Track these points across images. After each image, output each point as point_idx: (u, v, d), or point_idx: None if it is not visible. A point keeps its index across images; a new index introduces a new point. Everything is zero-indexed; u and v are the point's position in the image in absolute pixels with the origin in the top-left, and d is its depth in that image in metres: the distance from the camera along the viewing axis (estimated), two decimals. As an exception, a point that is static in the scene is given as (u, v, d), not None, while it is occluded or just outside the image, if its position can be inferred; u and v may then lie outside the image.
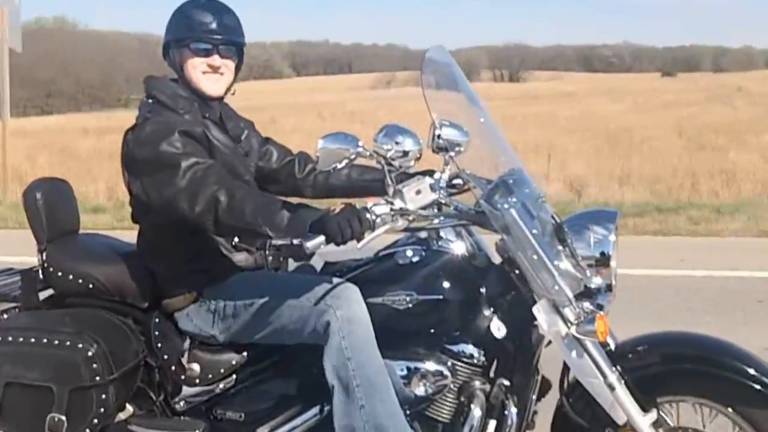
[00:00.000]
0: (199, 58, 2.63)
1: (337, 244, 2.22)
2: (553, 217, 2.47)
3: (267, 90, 55.37)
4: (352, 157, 2.34)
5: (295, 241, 2.22)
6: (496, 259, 2.60)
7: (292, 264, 2.85)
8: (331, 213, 2.20)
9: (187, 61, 2.63)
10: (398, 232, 2.41)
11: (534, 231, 2.36)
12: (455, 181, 2.70)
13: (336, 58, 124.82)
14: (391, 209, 2.28)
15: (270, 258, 2.70)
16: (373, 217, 2.23)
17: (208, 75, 2.65)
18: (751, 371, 2.34)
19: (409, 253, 2.55)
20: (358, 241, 2.23)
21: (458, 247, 2.59)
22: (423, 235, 2.56)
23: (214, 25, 2.62)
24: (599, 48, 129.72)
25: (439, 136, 2.48)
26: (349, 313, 2.39)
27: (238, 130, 2.81)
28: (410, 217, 2.30)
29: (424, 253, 2.55)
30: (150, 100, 2.65)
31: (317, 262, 2.85)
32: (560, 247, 2.42)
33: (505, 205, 2.36)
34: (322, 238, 2.19)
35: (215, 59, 2.64)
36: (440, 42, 2.71)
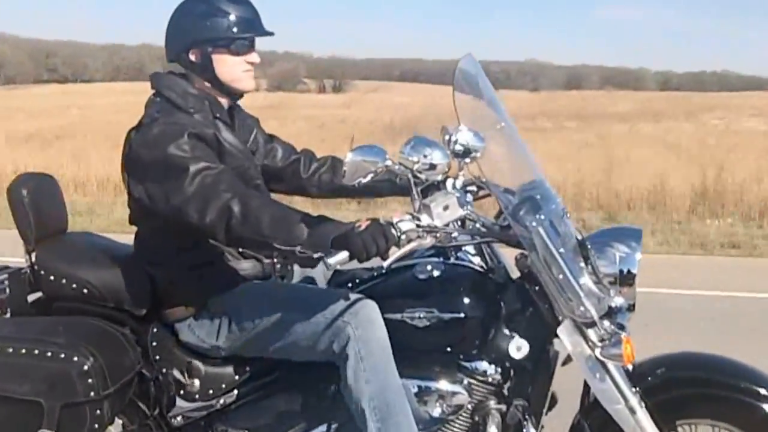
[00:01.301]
0: (239, 56, 2.49)
1: (360, 261, 2.11)
2: (576, 233, 2.40)
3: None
4: (379, 170, 2.23)
5: (316, 256, 2.11)
6: (514, 273, 2.52)
7: (297, 272, 2.74)
8: (356, 228, 2.09)
9: (223, 59, 2.48)
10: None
11: (561, 250, 2.28)
12: (469, 188, 2.61)
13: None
14: (418, 225, 2.18)
15: (278, 266, 2.59)
16: (399, 234, 2.13)
17: (248, 73, 2.52)
18: None
19: (429, 266, 2.45)
20: (383, 258, 2.13)
21: (478, 261, 2.51)
22: (426, 243, 2.45)
23: (252, 20, 2.49)
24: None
25: (456, 141, 2.39)
26: (367, 331, 2.28)
27: (247, 130, 2.67)
28: (438, 234, 2.20)
29: (443, 267, 2.45)
30: (158, 99, 2.49)
31: (323, 272, 2.74)
32: (583, 265, 2.35)
33: (533, 223, 2.27)
34: (345, 255, 2.08)
35: (254, 56, 2.51)
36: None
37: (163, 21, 2.56)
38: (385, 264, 2.14)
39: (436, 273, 2.44)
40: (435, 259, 2.50)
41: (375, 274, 2.55)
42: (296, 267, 2.73)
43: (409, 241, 2.16)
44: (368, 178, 2.24)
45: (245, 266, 2.56)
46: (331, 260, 2.07)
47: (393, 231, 2.12)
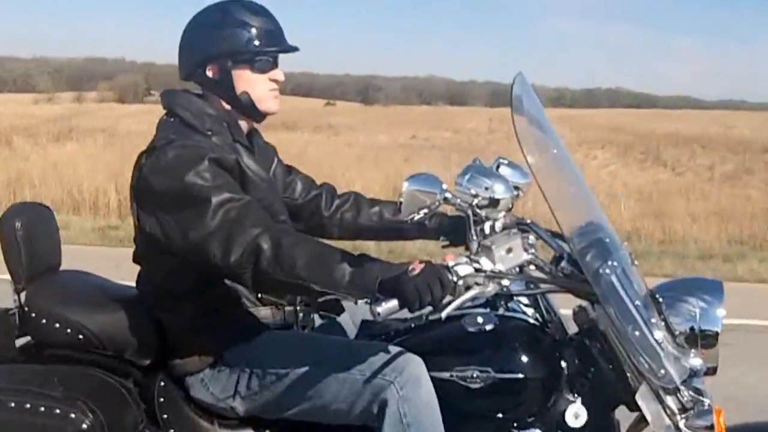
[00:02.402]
0: (264, 73, 2.20)
1: (412, 311, 1.82)
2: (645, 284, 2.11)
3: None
4: (435, 205, 1.93)
5: (361, 303, 1.82)
6: (571, 328, 2.23)
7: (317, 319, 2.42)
8: (409, 273, 1.79)
9: (245, 76, 2.18)
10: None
11: (637, 302, 1.99)
12: (512, 231, 2.31)
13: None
14: (477, 270, 1.88)
15: (301, 314, 2.27)
16: (456, 279, 1.83)
17: (273, 92, 2.23)
18: None
19: (479, 319, 2.13)
20: (436, 308, 1.83)
21: (531, 313, 2.21)
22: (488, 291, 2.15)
23: (276, 33, 2.21)
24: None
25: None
26: (413, 391, 1.96)
27: (267, 158, 2.38)
28: (502, 281, 1.90)
29: (496, 320, 2.14)
30: (171, 119, 2.20)
31: (350, 320, 2.43)
32: (657, 320, 2.05)
33: (606, 270, 1.98)
34: (395, 303, 1.78)
35: (279, 73, 2.22)
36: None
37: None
38: (443, 314, 1.84)
39: (488, 326, 2.13)
40: (483, 310, 2.19)
41: (413, 325, 2.24)
42: (316, 316, 2.41)
43: (467, 288, 1.87)
44: (421, 214, 1.94)
45: (264, 313, 2.24)
46: (381, 308, 1.77)
47: (449, 276, 1.82)
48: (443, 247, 2.52)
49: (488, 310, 2.19)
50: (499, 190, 1.98)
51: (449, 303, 1.86)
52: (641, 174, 18.45)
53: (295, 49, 2.26)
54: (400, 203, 1.93)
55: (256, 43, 2.17)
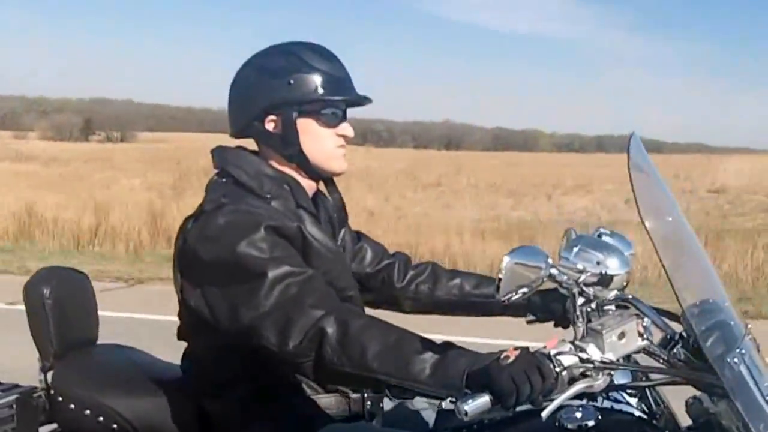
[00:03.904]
0: (331, 128, 1.93)
1: (506, 407, 1.51)
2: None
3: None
4: (538, 283, 1.63)
5: (448, 400, 1.53)
6: (683, 420, 1.91)
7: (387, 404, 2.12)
8: (502, 361, 1.50)
9: (312, 129, 1.92)
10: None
11: (767, 396, 1.67)
12: (607, 307, 2.00)
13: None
14: (582, 360, 1.58)
15: (368, 402, 1.97)
16: (559, 370, 1.53)
17: (342, 149, 1.96)
18: None
19: (578, 413, 1.81)
20: (534, 403, 1.52)
21: (637, 403, 1.89)
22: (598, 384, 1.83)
23: (345, 81, 1.94)
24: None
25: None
26: None
27: (336, 223, 2.10)
28: (612, 373, 1.59)
29: (598, 414, 1.82)
30: (223, 179, 1.93)
31: (426, 403, 2.12)
32: None
33: (735, 359, 1.67)
34: (486, 399, 1.48)
35: (349, 128, 1.96)
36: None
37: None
38: (544, 414, 1.54)
39: (589, 422, 1.80)
40: (580, 402, 1.87)
41: (499, 417, 1.92)
42: (385, 399, 2.11)
43: (572, 380, 1.57)
44: (520, 293, 1.63)
45: (326, 402, 1.94)
46: (469, 407, 1.48)
47: (551, 365, 1.52)
48: (528, 323, 2.21)
49: (586, 401, 1.88)
50: (613, 266, 1.68)
51: (550, 398, 1.56)
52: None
53: (368, 99, 2.00)
54: (499, 279, 1.64)
55: (326, 91, 1.90)
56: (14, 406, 2.10)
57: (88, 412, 2.02)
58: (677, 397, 1.93)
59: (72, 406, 2.04)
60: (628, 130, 1.82)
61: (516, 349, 1.54)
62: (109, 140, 76.40)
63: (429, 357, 1.57)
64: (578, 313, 1.67)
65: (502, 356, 1.52)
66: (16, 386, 2.21)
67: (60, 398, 2.05)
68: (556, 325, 2.15)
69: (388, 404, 2.10)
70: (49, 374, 2.11)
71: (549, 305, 2.13)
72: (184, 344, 2.03)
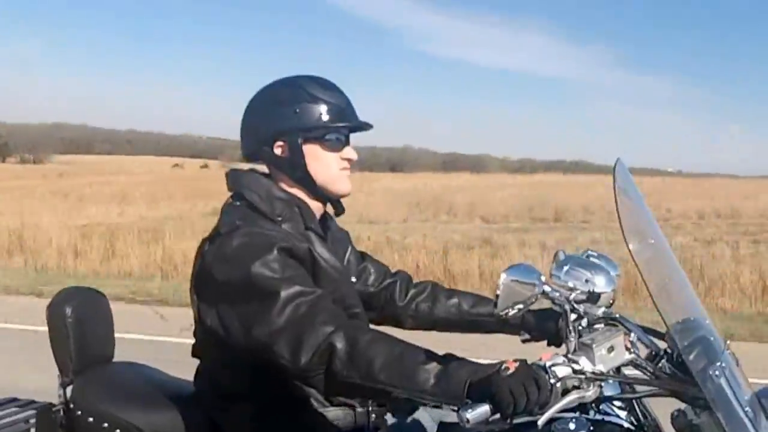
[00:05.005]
0: (335, 152, 2.07)
1: (505, 417, 1.62)
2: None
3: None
4: (532, 300, 1.76)
5: (449, 409, 1.64)
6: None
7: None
8: (502, 372, 1.61)
9: (317, 154, 2.06)
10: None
11: (747, 409, 1.79)
12: (596, 325, 2.12)
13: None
14: (575, 371, 1.70)
15: (373, 415, 2.08)
16: (554, 381, 1.65)
17: (345, 171, 2.10)
18: None
19: (571, 425, 1.93)
20: (531, 414, 1.64)
21: (626, 416, 2.01)
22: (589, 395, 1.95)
23: (347, 109, 2.08)
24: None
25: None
26: None
27: (341, 245, 2.23)
28: (602, 384, 1.72)
29: (590, 425, 1.94)
30: (238, 202, 2.06)
31: (428, 417, 2.23)
32: (766, 428, 1.85)
33: (716, 372, 1.79)
34: (486, 408, 1.60)
35: (352, 152, 2.10)
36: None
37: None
38: (540, 422, 1.65)
39: None
40: (572, 414, 1.98)
41: (496, 429, 2.03)
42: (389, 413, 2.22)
43: (565, 391, 1.69)
44: (516, 309, 1.76)
45: (334, 415, 2.05)
46: (470, 415, 1.59)
47: (546, 377, 1.64)
48: (523, 341, 2.34)
49: (578, 413, 1.99)
50: (601, 284, 1.82)
51: (544, 408, 1.67)
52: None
53: (368, 126, 2.14)
54: (497, 296, 1.76)
55: (328, 118, 2.05)
56: (33, 421, 2.21)
57: (105, 425, 2.12)
58: (664, 412, 2.05)
59: (90, 419, 2.14)
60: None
61: (515, 361, 1.66)
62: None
63: (432, 368, 1.68)
64: (570, 328, 1.79)
65: (502, 367, 1.63)
66: (33, 402, 2.32)
67: (79, 412, 2.15)
68: (549, 344, 2.27)
69: (391, 418, 2.21)
70: (69, 389, 2.21)
71: (542, 324, 2.26)
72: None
